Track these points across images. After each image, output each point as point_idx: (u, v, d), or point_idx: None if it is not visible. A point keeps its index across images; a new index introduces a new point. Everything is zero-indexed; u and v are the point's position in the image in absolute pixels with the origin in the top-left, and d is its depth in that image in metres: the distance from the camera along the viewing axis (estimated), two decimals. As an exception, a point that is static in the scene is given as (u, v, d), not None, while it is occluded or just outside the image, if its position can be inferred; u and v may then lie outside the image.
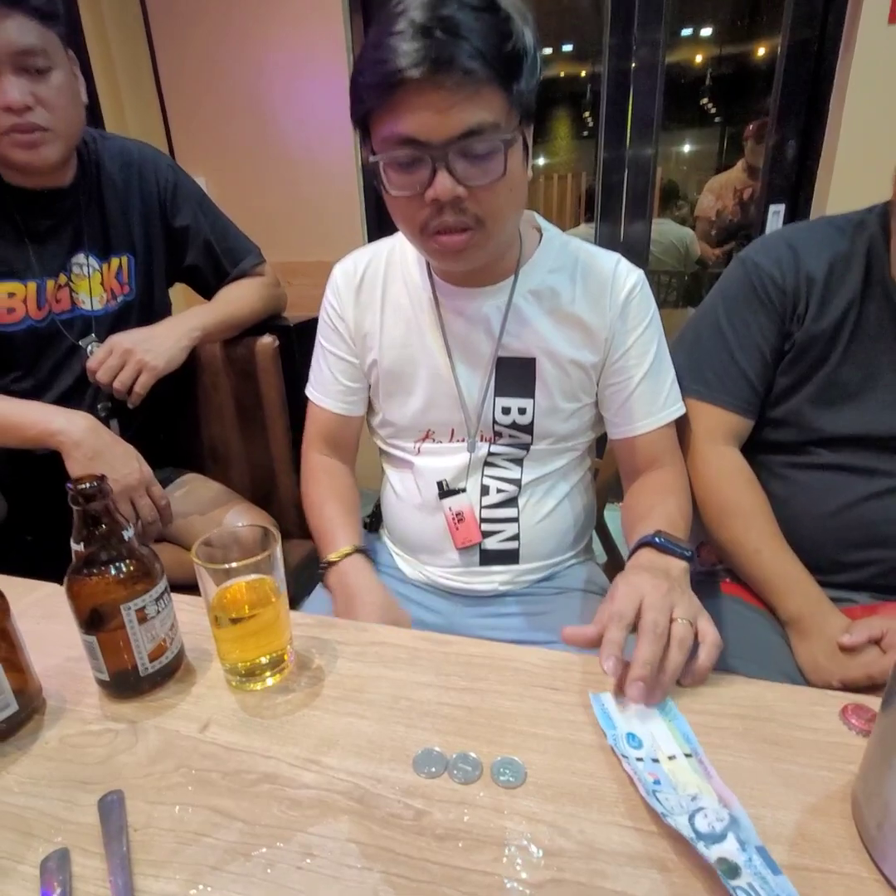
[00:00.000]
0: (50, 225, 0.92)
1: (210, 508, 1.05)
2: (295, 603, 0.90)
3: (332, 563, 0.79)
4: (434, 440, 0.82)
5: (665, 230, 2.70)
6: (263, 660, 0.56)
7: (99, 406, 1.00)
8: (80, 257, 0.95)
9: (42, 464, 0.87)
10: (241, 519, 1.04)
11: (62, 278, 0.95)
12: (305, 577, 1.14)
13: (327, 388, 0.86)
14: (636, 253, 2.26)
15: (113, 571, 0.52)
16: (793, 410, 0.80)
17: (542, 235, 0.78)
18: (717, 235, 2.83)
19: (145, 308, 1.04)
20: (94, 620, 0.52)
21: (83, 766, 0.49)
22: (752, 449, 0.84)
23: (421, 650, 0.60)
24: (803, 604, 0.74)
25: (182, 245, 1.07)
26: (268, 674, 0.56)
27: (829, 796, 0.43)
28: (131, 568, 0.52)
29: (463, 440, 0.80)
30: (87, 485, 0.49)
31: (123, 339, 0.91)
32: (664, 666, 0.52)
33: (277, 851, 0.41)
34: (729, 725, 0.49)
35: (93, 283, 0.96)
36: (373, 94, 0.58)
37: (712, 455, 0.82)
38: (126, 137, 1.04)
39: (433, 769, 0.46)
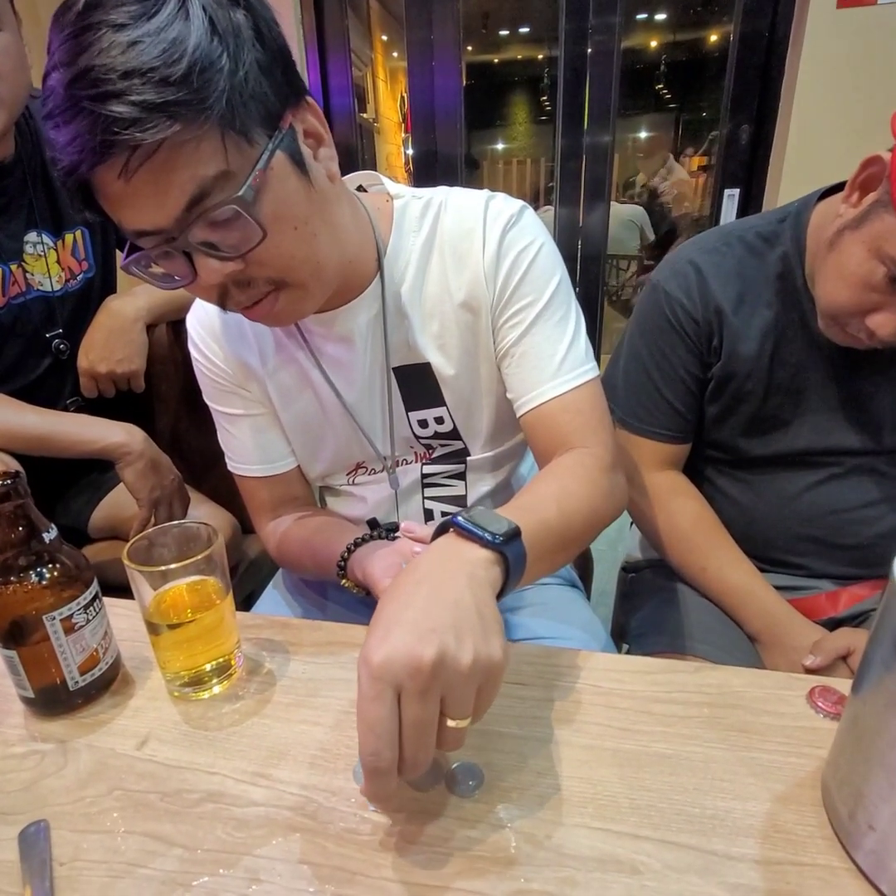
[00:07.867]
0: (1, 204, 0.84)
1: None
2: (252, 600, 0.86)
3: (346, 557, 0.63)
4: (368, 472, 0.74)
5: (617, 211, 2.77)
6: (208, 667, 0.52)
7: (69, 401, 0.96)
8: (32, 236, 0.87)
9: None
10: (198, 514, 0.99)
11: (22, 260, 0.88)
12: (264, 573, 1.09)
13: (249, 453, 0.72)
14: (595, 237, 2.27)
15: (34, 578, 0.47)
16: (725, 440, 0.79)
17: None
18: (665, 223, 2.92)
19: (106, 282, 0.99)
20: (15, 633, 0.47)
21: (4, 794, 0.44)
22: (701, 459, 0.83)
23: (379, 649, 0.56)
24: (761, 620, 0.73)
25: None
26: (214, 681, 0.52)
27: (799, 784, 0.42)
28: (55, 574, 0.47)
29: (394, 468, 0.73)
30: (0, 483, 0.44)
31: (96, 363, 0.93)
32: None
33: (221, 879, 0.38)
34: (696, 714, 0.48)
35: (48, 261, 0.89)
36: (68, 185, 0.44)
37: (649, 483, 0.80)
38: None
39: (391, 777, 0.43)
